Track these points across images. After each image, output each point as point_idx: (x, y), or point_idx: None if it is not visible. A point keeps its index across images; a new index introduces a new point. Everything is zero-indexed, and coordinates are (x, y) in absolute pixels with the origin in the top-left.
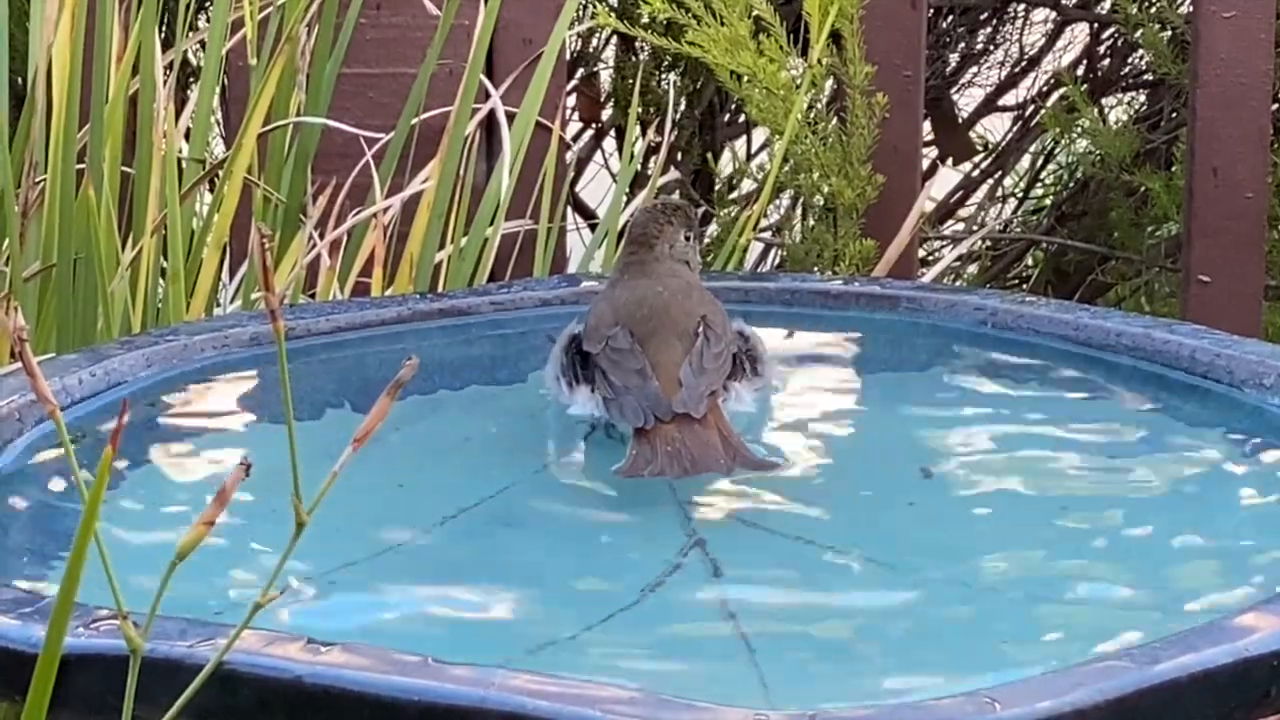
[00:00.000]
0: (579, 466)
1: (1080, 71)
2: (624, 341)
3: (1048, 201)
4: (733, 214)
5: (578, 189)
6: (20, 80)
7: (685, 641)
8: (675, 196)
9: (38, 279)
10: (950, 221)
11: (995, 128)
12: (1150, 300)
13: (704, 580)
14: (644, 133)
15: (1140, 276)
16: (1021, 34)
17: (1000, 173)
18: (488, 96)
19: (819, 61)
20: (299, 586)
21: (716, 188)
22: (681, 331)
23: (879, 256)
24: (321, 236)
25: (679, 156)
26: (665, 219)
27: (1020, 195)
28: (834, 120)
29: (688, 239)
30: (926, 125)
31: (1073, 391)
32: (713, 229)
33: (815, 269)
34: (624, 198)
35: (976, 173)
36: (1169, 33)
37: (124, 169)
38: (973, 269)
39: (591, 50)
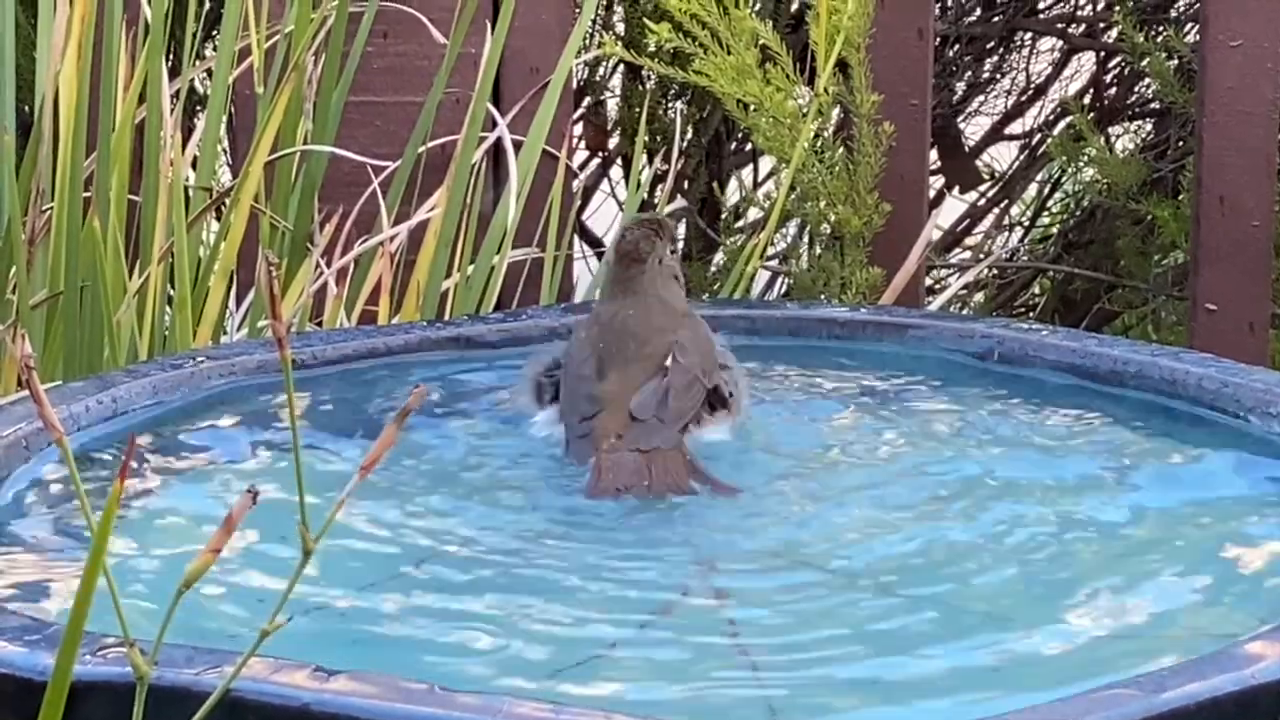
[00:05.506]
0: (584, 494)
1: (1087, 100)
2: (587, 369)
3: (1054, 230)
4: (739, 242)
5: (584, 217)
6: (27, 109)
7: (691, 667)
8: (651, 212)
9: (44, 307)
10: (957, 250)
11: (1002, 156)
12: (1157, 328)
13: (709, 606)
14: (650, 161)
15: (1147, 305)
16: (1028, 63)
17: (1007, 201)
18: (494, 125)
19: (826, 90)
20: (306, 614)
21: (723, 216)
22: (647, 358)
23: (886, 284)
24: (328, 264)
25: (685, 185)
26: (653, 234)
27: (1027, 224)
28: (840, 149)
29: (672, 252)
30: (933, 154)
31: (1079, 420)
32: (719, 257)
33: (822, 297)
34: None
35: (983, 201)
36: (1175, 61)
37: (131, 197)
38: (979, 297)
39: (598, 79)
